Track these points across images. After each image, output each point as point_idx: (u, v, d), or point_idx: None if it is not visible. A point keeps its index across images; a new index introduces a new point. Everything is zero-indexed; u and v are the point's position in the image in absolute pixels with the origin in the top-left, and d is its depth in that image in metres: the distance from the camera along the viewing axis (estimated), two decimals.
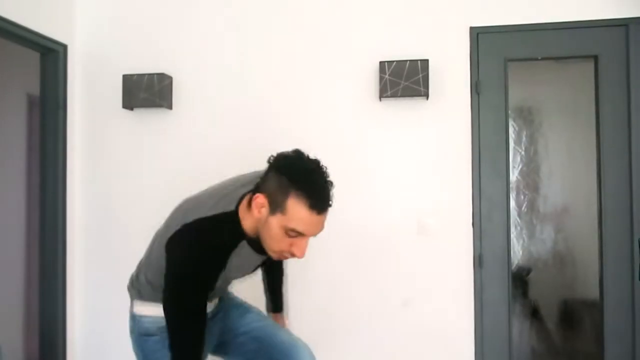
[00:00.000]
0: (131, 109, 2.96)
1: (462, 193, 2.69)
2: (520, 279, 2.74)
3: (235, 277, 1.72)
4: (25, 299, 3.75)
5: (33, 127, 3.63)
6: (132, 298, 1.79)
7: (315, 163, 1.48)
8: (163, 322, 1.52)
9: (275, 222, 1.44)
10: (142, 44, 3.00)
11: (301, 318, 2.42)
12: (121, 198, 3.01)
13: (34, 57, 2.93)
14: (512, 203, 2.72)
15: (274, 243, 1.48)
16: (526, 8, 2.67)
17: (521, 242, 2.74)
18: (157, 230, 1.72)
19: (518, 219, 2.74)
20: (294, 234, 1.44)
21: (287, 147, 2.70)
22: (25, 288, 3.75)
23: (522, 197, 2.74)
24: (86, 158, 3.05)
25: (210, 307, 1.75)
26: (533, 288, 2.77)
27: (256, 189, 1.51)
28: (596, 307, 2.64)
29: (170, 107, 2.93)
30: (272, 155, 1.51)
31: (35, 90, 2.98)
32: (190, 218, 1.55)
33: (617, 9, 2.60)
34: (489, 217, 2.68)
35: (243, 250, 1.58)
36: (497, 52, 2.70)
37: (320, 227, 1.47)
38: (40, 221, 2.94)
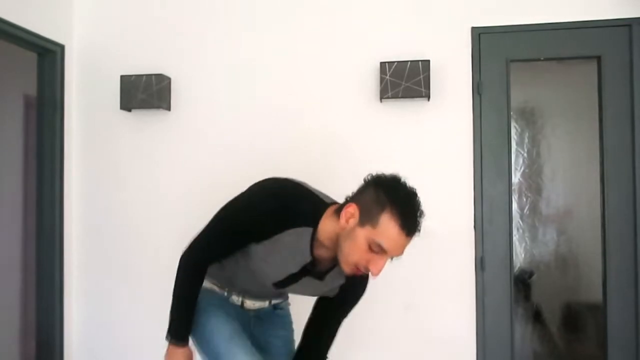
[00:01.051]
0: (129, 110, 2.94)
1: (464, 195, 2.67)
2: (522, 282, 2.73)
3: (276, 273, 1.66)
4: (22, 302, 3.73)
5: (30, 128, 3.61)
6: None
7: (413, 190, 1.49)
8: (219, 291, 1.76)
9: (362, 234, 1.44)
10: (140, 45, 2.98)
11: (301, 322, 2.38)
12: (119, 200, 2.99)
13: (31, 57, 2.92)
14: (515, 205, 2.70)
15: (354, 253, 1.46)
16: (528, 8, 2.65)
17: (523, 244, 2.72)
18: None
19: (520, 221, 2.72)
20: (377, 249, 1.43)
21: (287, 149, 2.81)
22: (22, 291, 3.73)
23: (525, 199, 2.73)
24: (83, 160, 3.03)
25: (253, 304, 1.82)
26: (535, 291, 2.75)
27: (350, 199, 1.53)
28: (599, 311, 2.62)
29: (168, 108, 2.91)
30: (370, 174, 1.54)
31: (33, 91, 2.97)
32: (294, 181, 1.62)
33: (621, 9, 2.58)
34: (491, 219, 2.66)
35: (301, 237, 1.56)
36: (499, 53, 2.68)
37: (403, 250, 1.46)
38: (37, 223, 2.93)
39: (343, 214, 1.48)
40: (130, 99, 2.87)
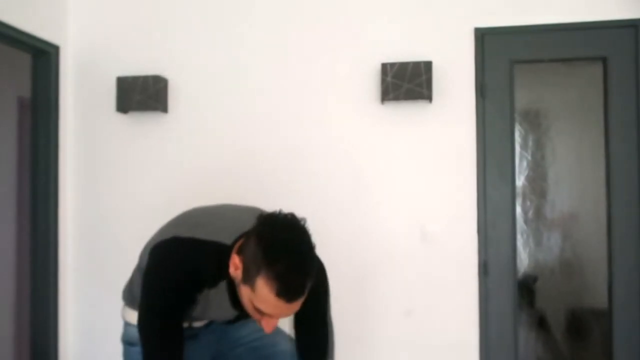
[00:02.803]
0: (125, 112, 2.91)
1: (467, 199, 2.65)
2: (526, 288, 2.71)
3: (217, 319, 1.62)
4: (16, 308, 3.71)
5: (24, 131, 3.60)
6: (125, 304, 1.74)
7: (302, 242, 1.34)
8: None
9: (245, 293, 1.36)
10: (136, 45, 2.96)
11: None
12: (115, 204, 2.96)
13: (26, 58, 2.90)
14: (518, 209, 2.69)
15: (246, 307, 1.40)
16: (533, 8, 2.63)
17: (527, 249, 2.71)
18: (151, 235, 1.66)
19: (524, 225, 2.70)
20: (261, 313, 1.36)
21: (286, 152, 2.77)
22: (16, 296, 3.72)
23: (529, 203, 2.71)
24: (79, 163, 3.01)
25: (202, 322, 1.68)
26: (540, 297, 2.75)
27: (240, 246, 1.41)
28: (605, 317, 2.60)
29: (165, 110, 2.89)
30: (262, 214, 1.40)
31: (27, 93, 2.95)
32: (185, 233, 1.47)
33: (627, 9, 2.56)
34: (495, 224, 2.64)
35: (218, 295, 1.47)
36: (503, 54, 2.66)
37: (290, 312, 1.37)
38: (32, 228, 2.90)
39: (231, 263, 1.39)
40: (126, 101, 2.84)
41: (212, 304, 1.49)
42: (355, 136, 2.73)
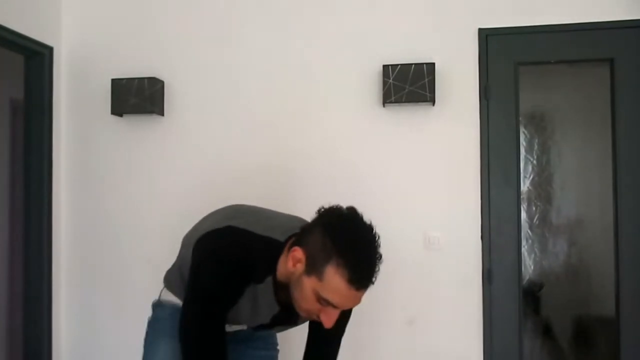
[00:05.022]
0: (120, 115, 2.90)
1: (471, 204, 2.63)
2: (531, 295, 2.71)
3: (247, 323, 1.58)
4: (9, 313, 3.70)
5: (17, 133, 3.60)
6: (165, 286, 1.73)
7: (369, 231, 1.36)
8: (176, 308, 1.50)
9: (309, 285, 1.34)
10: (132, 46, 2.94)
11: (300, 336, 2.32)
12: (109, 209, 2.94)
13: (18, 60, 2.89)
14: (523, 215, 2.68)
15: (304, 302, 1.39)
16: (538, 9, 2.61)
17: (533, 256, 2.71)
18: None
19: (529, 231, 2.70)
20: (325, 303, 1.35)
21: (285, 155, 2.72)
22: (9, 302, 3.71)
23: (534, 208, 2.71)
24: (72, 167, 2.99)
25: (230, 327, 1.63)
26: (545, 304, 2.74)
27: (298, 240, 1.42)
28: (612, 325, 2.57)
29: (161, 113, 2.86)
30: (322, 207, 1.42)
31: (19, 94, 2.94)
32: (240, 225, 1.48)
33: (635, 9, 2.54)
34: (499, 229, 2.62)
35: (264, 291, 1.46)
36: (508, 55, 2.64)
37: (356, 303, 1.38)
38: (25, 233, 2.90)
39: (290, 257, 1.38)
40: (121, 104, 2.83)
41: (248, 304, 1.47)
42: (356, 140, 2.71)
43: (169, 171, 2.87)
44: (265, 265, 1.44)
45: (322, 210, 1.41)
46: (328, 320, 1.37)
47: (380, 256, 1.36)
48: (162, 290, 1.73)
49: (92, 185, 2.96)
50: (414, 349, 2.63)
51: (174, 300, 1.64)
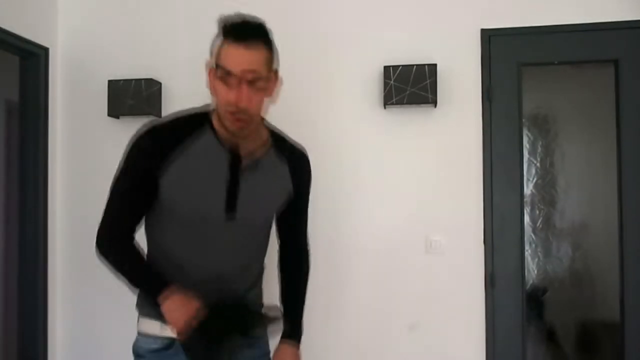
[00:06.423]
0: (117, 117, 2.88)
1: (473, 208, 2.62)
2: (535, 300, 2.70)
3: (213, 209, 1.54)
4: (4, 313, 3.71)
5: (12, 135, 3.59)
6: (138, 314, 1.72)
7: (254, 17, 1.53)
8: (153, 344, 1.55)
9: (213, 76, 1.49)
10: (128, 47, 2.92)
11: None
12: None
13: (14, 61, 2.87)
14: (527, 218, 2.66)
15: (220, 98, 1.48)
16: (541, 9, 2.60)
17: (536, 260, 2.69)
18: None
19: (533, 235, 2.69)
20: (224, 73, 1.44)
21: None
22: (4, 302, 3.72)
23: (537, 212, 2.70)
24: (68, 169, 2.97)
25: None
26: (549, 309, 2.73)
27: None
28: (617, 330, 2.56)
29: (159, 115, 2.83)
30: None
31: (15, 96, 2.92)
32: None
33: (639, 10, 2.52)
34: (502, 233, 2.60)
35: (206, 144, 1.53)
36: (510, 56, 2.63)
37: (253, 60, 1.46)
38: (20, 235, 2.89)
39: (207, 84, 1.54)
40: (118, 105, 2.81)
41: (194, 169, 1.51)
42: (356, 142, 2.70)
43: None
44: (197, 117, 1.56)
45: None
46: (239, 98, 1.43)
47: (259, 20, 1.53)
48: (137, 320, 1.68)
49: (88, 187, 2.93)
50: (416, 354, 2.62)
51: (154, 331, 1.60)
